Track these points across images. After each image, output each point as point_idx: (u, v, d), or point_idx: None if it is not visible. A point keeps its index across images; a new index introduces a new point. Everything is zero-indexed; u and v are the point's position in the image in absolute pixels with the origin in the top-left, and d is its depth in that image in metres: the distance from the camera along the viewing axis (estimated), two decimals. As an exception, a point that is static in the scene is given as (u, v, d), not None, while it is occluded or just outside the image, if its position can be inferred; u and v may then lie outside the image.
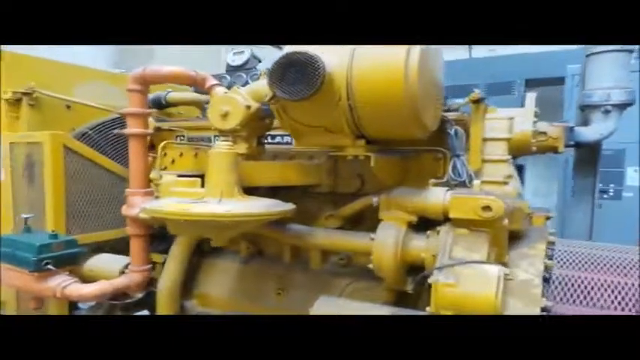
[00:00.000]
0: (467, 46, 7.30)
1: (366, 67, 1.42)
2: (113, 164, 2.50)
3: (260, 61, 2.71)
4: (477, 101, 1.86)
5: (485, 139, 1.99)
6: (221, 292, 2.49)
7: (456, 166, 1.77)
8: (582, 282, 1.64)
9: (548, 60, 5.08)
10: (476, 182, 1.65)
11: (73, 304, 2.45)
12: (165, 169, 2.56)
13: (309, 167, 2.00)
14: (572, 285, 1.64)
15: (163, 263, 2.47)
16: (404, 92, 1.37)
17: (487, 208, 1.52)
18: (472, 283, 1.45)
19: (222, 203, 1.63)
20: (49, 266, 1.79)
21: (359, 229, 2.06)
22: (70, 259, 1.91)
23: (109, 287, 1.91)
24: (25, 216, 1.95)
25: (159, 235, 2.59)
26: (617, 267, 1.69)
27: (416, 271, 1.76)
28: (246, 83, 2.46)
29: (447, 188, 1.65)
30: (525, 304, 1.60)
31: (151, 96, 2.91)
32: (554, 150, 2.22)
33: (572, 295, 1.61)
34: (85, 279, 2.16)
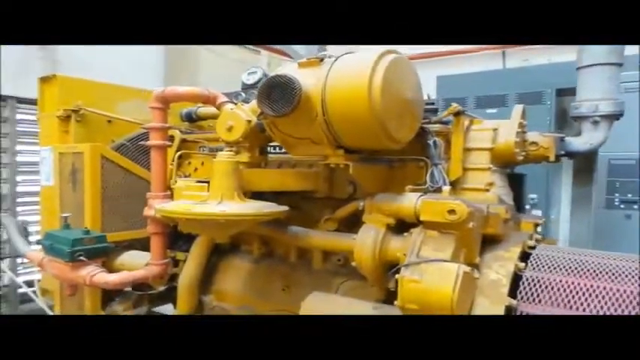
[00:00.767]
0: (501, 57, 7.28)
1: (336, 87, 1.62)
2: (145, 172, 2.84)
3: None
4: (457, 114, 2.01)
5: (469, 149, 2.13)
6: (235, 288, 2.74)
7: (434, 173, 1.91)
8: (550, 284, 1.72)
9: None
10: (445, 188, 1.79)
11: (106, 295, 2.79)
12: (189, 176, 2.88)
13: (306, 174, 2.22)
14: (541, 286, 1.73)
15: (184, 261, 2.77)
16: (368, 109, 1.56)
17: (452, 211, 1.67)
18: (433, 279, 1.60)
19: (220, 205, 1.88)
20: (82, 257, 2.11)
21: (354, 232, 2.25)
22: (99, 252, 2.23)
23: (129, 277, 2.22)
24: (65, 215, 2.30)
25: (182, 236, 2.90)
26: (591, 271, 1.76)
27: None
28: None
29: (420, 194, 1.81)
30: (491, 302, 1.73)
31: (184, 111, 3.27)
32: (546, 159, 2.30)
33: (538, 296, 1.71)
34: (116, 271, 2.48)
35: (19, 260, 4.90)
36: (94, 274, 2.13)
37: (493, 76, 6.19)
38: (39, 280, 3.06)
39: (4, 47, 4.10)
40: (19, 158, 4.98)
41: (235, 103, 2.20)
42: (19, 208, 5.11)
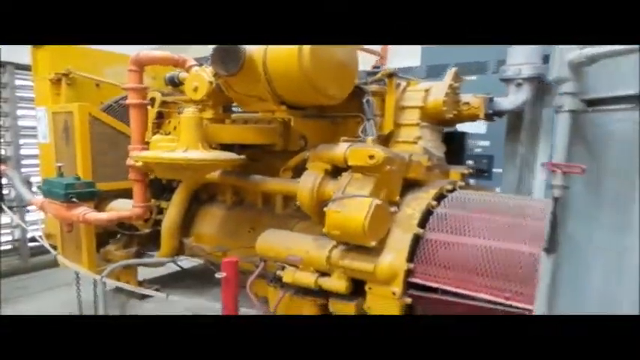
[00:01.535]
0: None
1: (274, 51, 1.94)
2: (129, 129, 3.19)
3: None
4: (390, 76, 2.32)
5: (403, 107, 2.45)
6: (210, 231, 3.13)
7: (366, 127, 2.25)
8: (453, 217, 2.08)
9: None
10: (369, 138, 2.13)
11: (101, 239, 3.20)
12: (169, 133, 3.23)
13: (263, 129, 2.56)
14: (445, 219, 2.09)
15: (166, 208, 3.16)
16: (299, 69, 1.89)
17: (372, 156, 2.01)
18: (351, 210, 1.97)
19: (185, 152, 2.24)
20: (74, 199, 2.50)
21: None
22: (88, 195, 2.62)
23: (115, 215, 2.61)
24: (59, 164, 2.67)
25: (167, 188, 3.29)
26: (487, 208, 2.11)
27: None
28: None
29: (350, 143, 2.15)
30: (403, 231, 2.10)
31: (167, 75, 3.58)
32: (477, 117, 2.63)
33: (440, 226, 2.07)
34: (106, 215, 2.88)
35: (27, 217, 5.34)
36: (85, 212, 2.52)
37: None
38: (43, 227, 3.47)
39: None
40: (21, 122, 5.32)
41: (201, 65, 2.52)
42: (22, 170, 5.51)
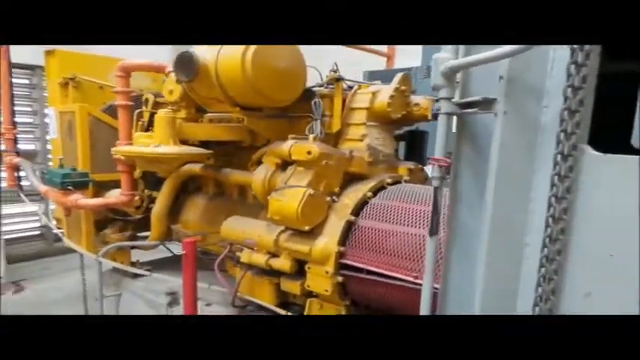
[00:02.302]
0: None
1: (223, 60, 2.27)
2: (126, 127, 3.59)
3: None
4: (337, 80, 2.60)
5: (352, 108, 2.72)
6: (194, 218, 3.49)
7: (313, 126, 2.54)
8: (383, 207, 2.34)
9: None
10: (310, 136, 2.41)
11: (100, 223, 3.62)
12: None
13: (232, 127, 2.89)
14: (377, 208, 2.35)
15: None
16: (243, 76, 2.20)
17: (309, 152, 2.30)
18: (288, 198, 2.26)
19: (157, 147, 2.60)
20: (69, 187, 2.91)
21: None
22: (82, 184, 3.02)
23: (103, 201, 3.01)
24: (59, 157, 3.10)
25: (162, 181, 3.68)
26: (416, 199, 2.35)
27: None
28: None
29: (295, 140, 2.43)
30: (338, 218, 2.38)
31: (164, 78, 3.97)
32: (426, 118, 2.86)
33: (371, 214, 2.34)
34: (102, 202, 3.29)
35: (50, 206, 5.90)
36: (78, 199, 2.93)
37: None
38: (53, 211, 3.94)
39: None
40: (47, 120, 5.89)
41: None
42: (50, 164, 6.08)
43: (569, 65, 1.24)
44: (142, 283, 3.57)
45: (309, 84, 2.67)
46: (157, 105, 3.60)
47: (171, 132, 2.65)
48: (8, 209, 5.94)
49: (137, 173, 3.53)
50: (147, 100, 3.54)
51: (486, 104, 1.46)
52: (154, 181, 3.70)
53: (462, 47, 1.51)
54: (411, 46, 5.21)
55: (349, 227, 2.35)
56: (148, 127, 3.50)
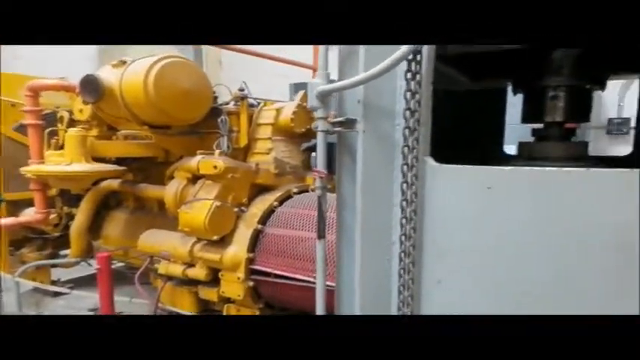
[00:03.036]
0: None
1: (127, 83, 2.38)
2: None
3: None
4: (242, 98, 2.78)
5: (259, 124, 2.91)
6: (115, 233, 3.52)
7: (220, 142, 2.70)
8: (287, 214, 2.55)
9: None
10: (217, 152, 2.57)
11: (17, 242, 3.56)
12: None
13: (145, 144, 2.98)
14: (281, 216, 2.56)
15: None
16: (146, 97, 2.33)
17: (215, 166, 2.46)
18: (196, 210, 2.41)
19: (69, 166, 2.65)
20: (-22, 208, 2.87)
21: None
22: (-7, 204, 2.99)
23: (17, 221, 3.01)
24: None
25: (78, 197, 3.67)
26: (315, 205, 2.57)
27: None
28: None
29: (202, 156, 2.58)
30: (246, 227, 2.55)
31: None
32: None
33: (275, 222, 2.54)
34: (17, 222, 3.25)
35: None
36: (-11, 219, 2.90)
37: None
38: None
39: None
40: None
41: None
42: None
43: (405, 93, 1.50)
44: (64, 302, 3.55)
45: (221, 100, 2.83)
46: (72, 122, 3.61)
47: (82, 150, 2.71)
48: None
49: (54, 190, 3.52)
50: (62, 118, 3.54)
51: (349, 123, 1.70)
52: (72, 198, 3.69)
53: (334, 74, 1.73)
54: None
55: (257, 235, 2.54)
56: (63, 145, 3.51)
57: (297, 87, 5.76)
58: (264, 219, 2.58)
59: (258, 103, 2.96)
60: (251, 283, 2.51)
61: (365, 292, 1.68)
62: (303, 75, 6.46)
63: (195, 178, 2.66)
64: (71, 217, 3.61)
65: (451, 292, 1.53)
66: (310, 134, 3.06)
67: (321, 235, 1.91)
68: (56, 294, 3.53)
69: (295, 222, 2.49)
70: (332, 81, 1.67)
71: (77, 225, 3.47)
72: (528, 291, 1.37)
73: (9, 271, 3.40)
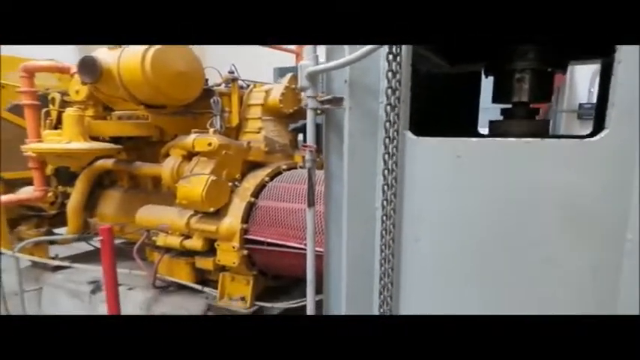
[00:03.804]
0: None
1: (125, 63, 2.50)
2: (34, 125, 3.64)
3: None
4: (233, 80, 2.92)
5: (249, 105, 3.06)
6: (110, 211, 3.66)
7: (213, 121, 2.85)
8: (278, 188, 2.74)
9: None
10: (211, 130, 2.73)
11: (14, 220, 3.67)
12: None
13: (140, 124, 3.11)
14: (272, 190, 2.74)
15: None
16: (143, 77, 2.46)
17: (210, 143, 2.62)
18: (193, 184, 2.58)
19: (67, 144, 2.77)
20: (-22, 186, 2.98)
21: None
22: (-9, 183, 3.10)
23: (15, 197, 3.12)
24: (-34, 157, 3.13)
25: (73, 175, 3.78)
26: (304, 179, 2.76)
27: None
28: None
29: (197, 134, 2.73)
30: (240, 200, 2.73)
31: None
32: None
33: (268, 195, 2.72)
34: (15, 200, 3.36)
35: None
36: (-13, 197, 3.01)
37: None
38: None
39: None
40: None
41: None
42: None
43: (387, 72, 1.67)
44: (63, 276, 3.69)
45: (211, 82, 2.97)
46: (64, 104, 3.70)
47: (80, 129, 2.83)
48: None
49: (49, 170, 3.62)
50: (53, 99, 3.62)
51: (337, 101, 1.87)
52: (67, 177, 3.80)
53: (322, 55, 1.90)
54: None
55: (250, 207, 2.72)
56: (57, 125, 3.60)
57: (282, 71, 5.88)
58: (257, 193, 2.77)
59: (248, 85, 3.11)
60: (245, 252, 2.70)
61: (351, 252, 1.89)
62: (285, 59, 6.55)
63: (190, 155, 2.81)
64: (66, 195, 3.72)
65: (427, 249, 1.74)
66: (297, 115, 3.24)
67: (310, 203, 2.09)
68: (55, 268, 3.67)
69: (285, 195, 2.68)
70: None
71: (73, 203, 3.59)
72: (492, 241, 1.60)
73: (7, 248, 3.51)
